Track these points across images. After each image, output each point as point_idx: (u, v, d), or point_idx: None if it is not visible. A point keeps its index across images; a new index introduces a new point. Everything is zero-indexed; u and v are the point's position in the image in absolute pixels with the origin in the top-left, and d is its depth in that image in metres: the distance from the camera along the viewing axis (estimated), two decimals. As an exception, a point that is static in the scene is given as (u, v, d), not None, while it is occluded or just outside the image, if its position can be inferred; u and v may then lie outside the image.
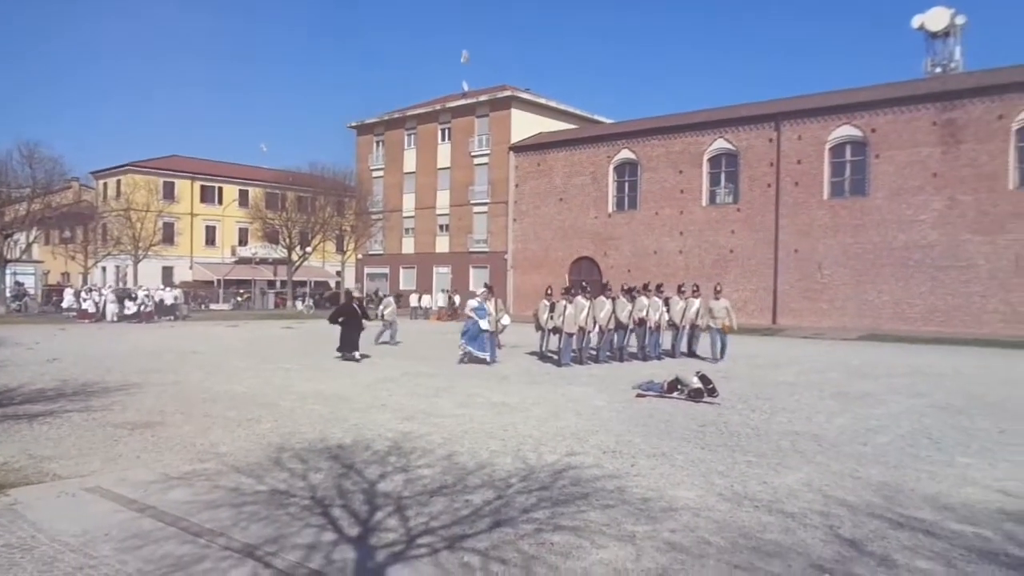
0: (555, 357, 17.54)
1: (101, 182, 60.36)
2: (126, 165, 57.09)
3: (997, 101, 29.02)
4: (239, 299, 51.61)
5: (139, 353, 18.97)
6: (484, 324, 17.00)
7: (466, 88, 49.65)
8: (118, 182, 57.06)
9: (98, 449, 7.95)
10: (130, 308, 34.97)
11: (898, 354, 20.77)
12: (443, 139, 49.28)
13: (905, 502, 6.20)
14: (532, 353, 19.14)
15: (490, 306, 17.79)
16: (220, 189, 61.64)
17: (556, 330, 17.22)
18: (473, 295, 19.16)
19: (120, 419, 9.66)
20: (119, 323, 33.63)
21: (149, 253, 49.59)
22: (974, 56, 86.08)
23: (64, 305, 39.56)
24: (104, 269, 55.60)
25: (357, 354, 17.61)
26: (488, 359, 16.94)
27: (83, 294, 37.34)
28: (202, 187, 60.74)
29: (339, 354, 17.90)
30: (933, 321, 29.82)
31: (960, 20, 37.02)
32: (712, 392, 11.65)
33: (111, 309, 35.01)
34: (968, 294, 29.32)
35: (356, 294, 21.29)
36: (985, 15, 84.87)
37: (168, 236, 55.71)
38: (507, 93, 46.28)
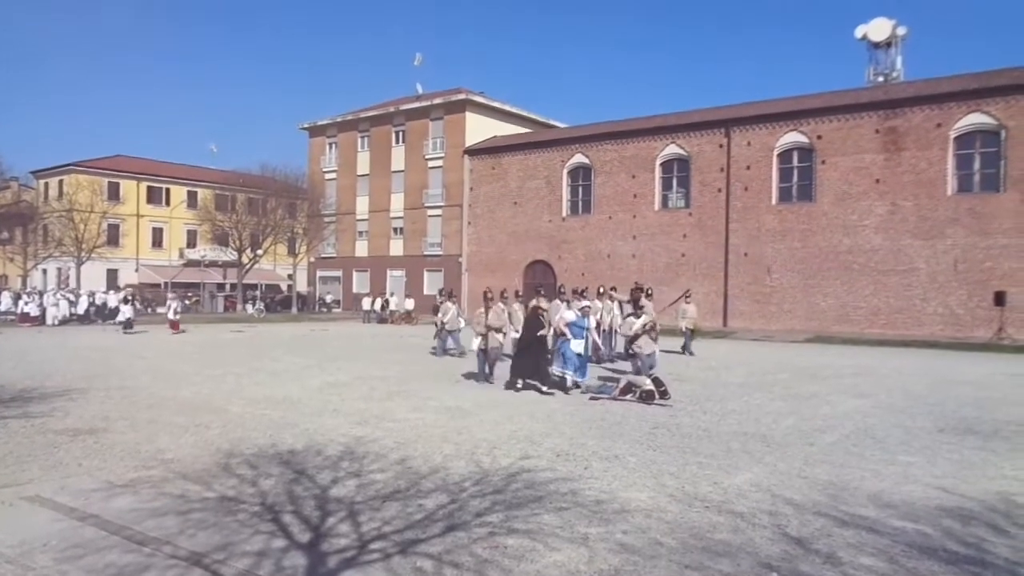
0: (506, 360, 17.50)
1: (42, 182, 58.40)
2: (69, 165, 55.36)
3: (936, 110, 30.04)
4: (188, 302, 50.43)
5: (82, 358, 18.41)
6: (577, 346, 13.18)
7: (420, 91, 49.46)
8: (60, 182, 55.23)
9: (37, 456, 7.69)
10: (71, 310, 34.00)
11: (843, 356, 21.32)
12: (397, 141, 48.99)
13: (850, 500, 6.36)
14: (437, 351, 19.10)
15: (518, 312, 16.38)
16: (167, 190, 60.19)
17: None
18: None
19: (61, 425, 9.35)
20: (61, 327, 32.62)
21: (93, 255, 48.14)
22: (914, 66, 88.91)
23: (1, 308, 38.17)
24: (45, 272, 53.80)
25: (545, 387, 12.84)
26: (581, 384, 13.17)
27: (24, 297, 36.06)
28: (148, 188, 59.22)
29: (510, 381, 13.40)
30: (876, 323, 30.70)
31: (901, 31, 38.18)
32: (664, 394, 11.79)
33: (51, 312, 33.92)
34: (909, 297, 30.26)
35: (543, 304, 14.40)
36: (925, 27, 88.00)
37: (113, 238, 54.13)
38: (461, 96, 46.21)
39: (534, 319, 13.78)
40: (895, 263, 30.54)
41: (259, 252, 49.58)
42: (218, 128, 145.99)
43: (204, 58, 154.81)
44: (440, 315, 20.44)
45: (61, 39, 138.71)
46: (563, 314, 13.72)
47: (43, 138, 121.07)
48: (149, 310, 46.84)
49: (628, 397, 11.89)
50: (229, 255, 50.53)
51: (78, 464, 7.41)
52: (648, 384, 11.92)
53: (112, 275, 53.60)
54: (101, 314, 36.98)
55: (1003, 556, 5.05)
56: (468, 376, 15.13)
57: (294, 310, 48.61)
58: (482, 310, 14.91)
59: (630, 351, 13.41)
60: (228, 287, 54.87)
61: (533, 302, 14.82)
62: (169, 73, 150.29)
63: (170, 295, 33.92)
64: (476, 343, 14.74)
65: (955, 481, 7.04)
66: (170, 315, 29.96)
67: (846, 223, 31.70)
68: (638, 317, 13.42)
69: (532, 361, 13.18)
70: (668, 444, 8.63)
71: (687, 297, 22.62)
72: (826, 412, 11.08)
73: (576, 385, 13.01)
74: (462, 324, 21.20)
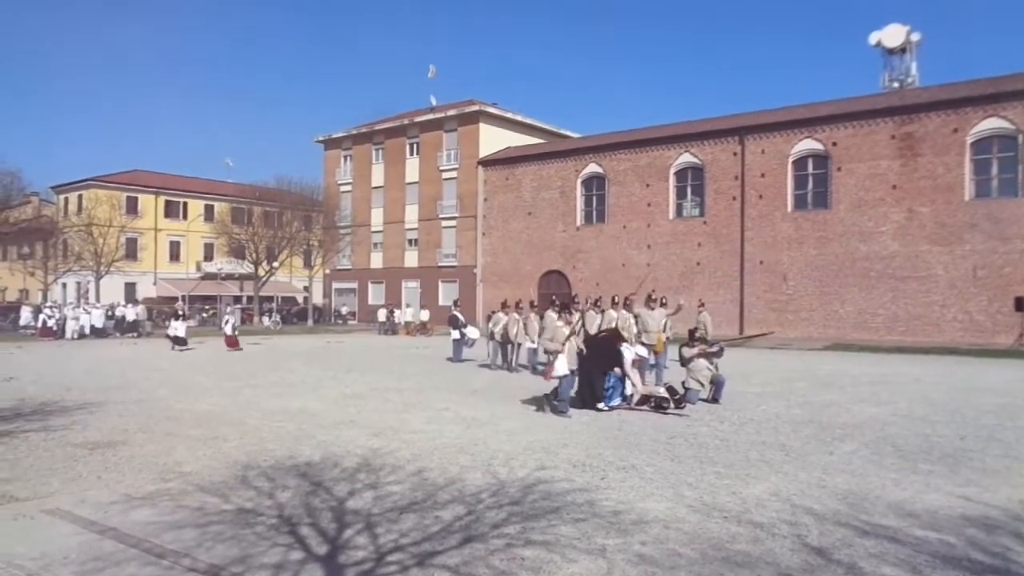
0: (522, 370, 17.55)
1: (62, 197, 59.18)
2: (88, 180, 56.06)
3: (952, 115, 29.83)
4: (204, 315, 50.82)
5: (100, 371, 18.58)
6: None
7: (434, 103, 49.73)
8: (79, 197, 55.98)
9: (57, 470, 7.75)
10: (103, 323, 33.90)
11: (862, 363, 21.12)
12: (411, 153, 49.23)
13: (870, 509, 6.29)
14: (485, 365, 19.10)
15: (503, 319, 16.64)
16: (185, 204, 60.80)
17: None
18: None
19: (80, 439, 9.43)
20: (79, 340, 32.94)
21: (112, 269, 48.66)
22: (929, 71, 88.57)
23: (21, 323, 38.61)
24: (64, 285, 54.42)
25: (603, 405, 11.83)
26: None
27: (45, 311, 36.46)
28: (166, 202, 59.85)
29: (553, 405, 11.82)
30: (895, 330, 30.40)
31: (915, 37, 38.07)
32: (679, 403, 11.72)
33: (71, 326, 34.26)
34: (928, 303, 29.96)
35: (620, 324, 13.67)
36: (939, 32, 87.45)
37: (131, 252, 54.74)
38: (475, 108, 46.42)
39: (607, 344, 12.55)
40: (913, 269, 30.27)
41: (275, 264, 49.91)
42: (234, 142, 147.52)
43: (219, 71, 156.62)
44: (491, 324, 19.62)
45: (81, 56, 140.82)
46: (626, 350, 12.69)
47: (63, 154, 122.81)
48: (167, 323, 47.22)
49: (644, 407, 11.84)
50: (246, 268, 50.89)
51: (97, 477, 7.47)
52: (662, 392, 11.86)
53: (130, 289, 54.12)
54: (120, 327, 37.31)
55: (1029, 566, 4.96)
56: (488, 384, 15.09)
57: (310, 322, 48.84)
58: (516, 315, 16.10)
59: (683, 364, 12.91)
60: (245, 299, 55.27)
61: (574, 317, 13.86)
62: (185, 87, 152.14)
63: (228, 308, 31.24)
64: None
65: (978, 490, 6.94)
66: (228, 330, 26.81)
67: (863, 230, 31.47)
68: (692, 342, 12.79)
69: (590, 386, 12.03)
70: (686, 454, 8.57)
71: (700, 306, 22.36)
72: (845, 420, 10.97)
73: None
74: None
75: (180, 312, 29.46)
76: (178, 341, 26.15)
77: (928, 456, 8.46)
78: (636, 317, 16.61)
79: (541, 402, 12.00)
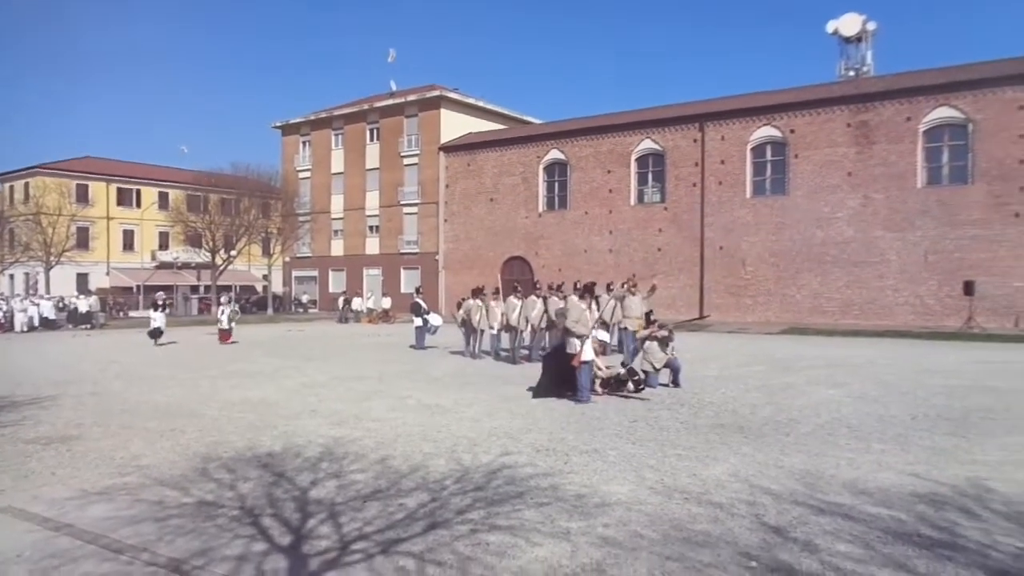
0: (485, 357, 17.59)
1: (7, 185, 57.24)
2: (34, 167, 54.29)
3: (906, 104, 30.47)
4: (161, 304, 49.79)
5: (53, 364, 18.12)
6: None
7: (394, 88, 49.25)
8: (26, 185, 54.23)
9: (8, 466, 7.56)
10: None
11: (818, 347, 21.57)
12: (371, 139, 48.71)
13: (826, 488, 6.45)
14: (458, 352, 19.11)
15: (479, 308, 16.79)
16: (138, 192, 59.32)
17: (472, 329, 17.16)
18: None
19: (32, 434, 9.20)
20: (28, 333, 32.07)
21: (62, 259, 47.34)
22: (884, 61, 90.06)
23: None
24: (12, 277, 52.82)
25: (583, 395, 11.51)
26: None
27: (-7, 303, 35.36)
28: (118, 190, 58.31)
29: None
30: (849, 314, 31.11)
31: (871, 26, 38.73)
32: (638, 386, 11.87)
33: (19, 319, 33.30)
34: (881, 288, 30.70)
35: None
36: (894, 22, 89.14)
37: (82, 241, 53.21)
38: (436, 93, 46.06)
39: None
40: (867, 255, 30.96)
41: (233, 253, 49.08)
42: (188, 129, 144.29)
43: (173, 58, 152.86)
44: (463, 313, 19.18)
45: (25, 43, 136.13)
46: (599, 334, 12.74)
47: (6, 140, 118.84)
48: (121, 314, 46.22)
49: (606, 391, 11.95)
50: (203, 256, 49.96)
51: (51, 473, 7.30)
52: (622, 371, 12.07)
53: (82, 279, 52.76)
54: (73, 319, 36.42)
55: (975, 539, 5.15)
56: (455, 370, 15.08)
57: (270, 311, 48.21)
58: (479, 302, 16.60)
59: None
60: (202, 289, 54.30)
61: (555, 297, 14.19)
62: (137, 73, 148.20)
63: (223, 299, 28.88)
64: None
65: (927, 467, 7.17)
66: (224, 322, 24.83)
67: (819, 216, 32.06)
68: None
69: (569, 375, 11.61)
70: (647, 437, 8.69)
71: (651, 291, 21.14)
72: (801, 403, 11.22)
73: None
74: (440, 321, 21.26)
75: (160, 302, 26.94)
76: (157, 334, 24.29)
77: (881, 436, 8.70)
78: (621, 301, 17.09)
79: (541, 392, 11.78)
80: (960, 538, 5.19)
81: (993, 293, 27.98)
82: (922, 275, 29.84)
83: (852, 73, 38.73)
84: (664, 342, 12.93)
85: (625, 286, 17.47)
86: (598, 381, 12.15)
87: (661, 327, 13.60)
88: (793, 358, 18.09)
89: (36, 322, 34.07)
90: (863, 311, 30.90)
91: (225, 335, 24.52)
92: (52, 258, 46.73)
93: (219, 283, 50.18)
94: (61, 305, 39.28)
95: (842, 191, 31.62)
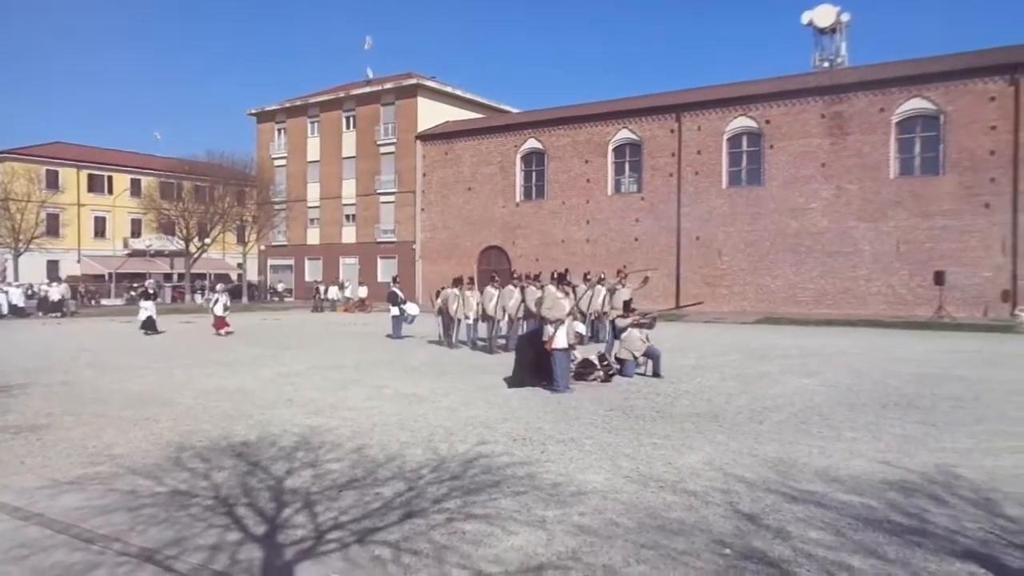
0: (462, 346, 17.60)
1: (-27, 171, 56.07)
2: (3, 152, 53.21)
3: (879, 95, 30.81)
4: (133, 294, 49.13)
5: (23, 353, 17.81)
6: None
7: (370, 75, 48.81)
8: (-6, 170, 53.14)
9: (-23, 456, 7.43)
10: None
11: (792, 336, 21.83)
12: (348, 127, 48.30)
13: (798, 476, 6.54)
14: (435, 342, 19.07)
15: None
16: (110, 178, 58.34)
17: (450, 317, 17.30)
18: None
19: (1, 423, 9.05)
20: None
21: (31, 246, 46.50)
22: (858, 52, 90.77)
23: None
24: (-20, 264, 51.79)
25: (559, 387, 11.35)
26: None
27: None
28: (90, 176, 57.30)
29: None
30: (823, 304, 31.51)
31: (845, 17, 39.03)
32: (608, 373, 11.96)
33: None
34: (854, 278, 31.11)
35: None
36: (868, 13, 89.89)
37: (52, 228, 52.26)
38: (413, 81, 45.74)
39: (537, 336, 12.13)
40: (841, 245, 31.33)
41: (207, 241, 48.51)
42: (162, 115, 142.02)
43: (148, 44, 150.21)
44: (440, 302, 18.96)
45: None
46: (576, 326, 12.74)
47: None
48: (92, 302, 45.53)
49: (582, 381, 11.99)
50: (176, 244, 49.32)
51: (20, 462, 7.18)
52: (593, 358, 12.19)
53: (52, 267, 51.85)
54: (43, 307, 35.80)
55: (943, 525, 5.25)
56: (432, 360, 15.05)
57: (244, 300, 47.75)
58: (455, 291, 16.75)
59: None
60: (176, 277, 53.63)
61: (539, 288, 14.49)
62: (110, 59, 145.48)
63: (218, 287, 27.47)
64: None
65: (898, 455, 7.29)
66: (218, 310, 23.56)
67: (794, 206, 32.36)
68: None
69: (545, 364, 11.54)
70: (623, 426, 8.74)
71: (599, 280, 20.01)
72: (775, 392, 11.34)
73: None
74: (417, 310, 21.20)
75: (151, 290, 25.09)
76: (149, 325, 23.15)
77: (852, 424, 8.83)
78: (612, 292, 17.10)
79: (515, 381, 11.77)
80: (929, 524, 5.28)
81: (963, 283, 28.47)
82: (894, 265, 30.27)
83: (827, 64, 39.04)
84: (642, 328, 13.06)
85: (617, 278, 17.53)
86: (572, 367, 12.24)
87: (644, 315, 13.69)
88: (768, 347, 18.28)
89: (5, 310, 33.41)
90: (836, 301, 31.30)
91: (221, 323, 23.48)
92: (21, 245, 45.87)
93: (193, 271, 49.61)
94: (31, 293, 38.54)
95: (816, 181, 31.93)
